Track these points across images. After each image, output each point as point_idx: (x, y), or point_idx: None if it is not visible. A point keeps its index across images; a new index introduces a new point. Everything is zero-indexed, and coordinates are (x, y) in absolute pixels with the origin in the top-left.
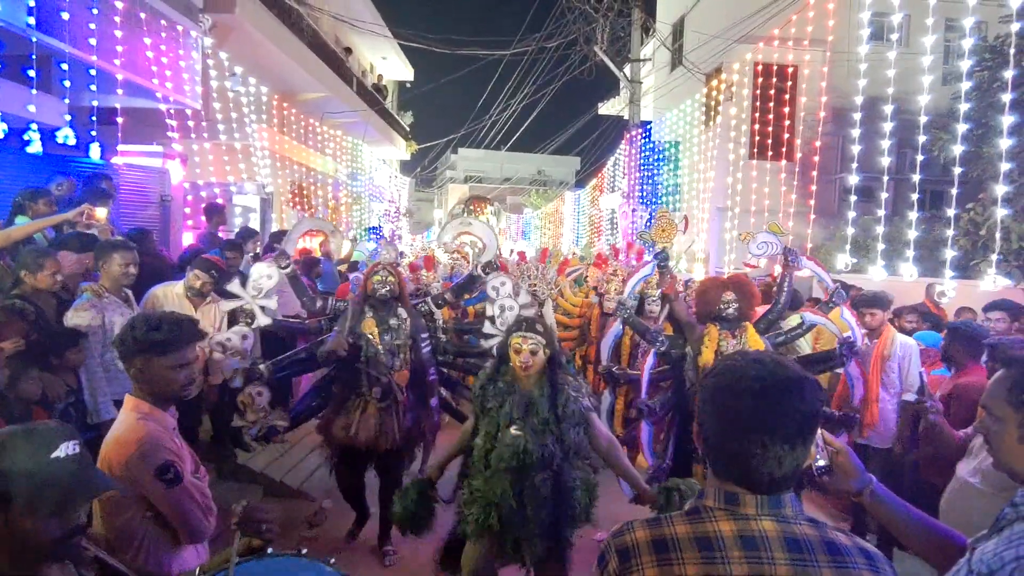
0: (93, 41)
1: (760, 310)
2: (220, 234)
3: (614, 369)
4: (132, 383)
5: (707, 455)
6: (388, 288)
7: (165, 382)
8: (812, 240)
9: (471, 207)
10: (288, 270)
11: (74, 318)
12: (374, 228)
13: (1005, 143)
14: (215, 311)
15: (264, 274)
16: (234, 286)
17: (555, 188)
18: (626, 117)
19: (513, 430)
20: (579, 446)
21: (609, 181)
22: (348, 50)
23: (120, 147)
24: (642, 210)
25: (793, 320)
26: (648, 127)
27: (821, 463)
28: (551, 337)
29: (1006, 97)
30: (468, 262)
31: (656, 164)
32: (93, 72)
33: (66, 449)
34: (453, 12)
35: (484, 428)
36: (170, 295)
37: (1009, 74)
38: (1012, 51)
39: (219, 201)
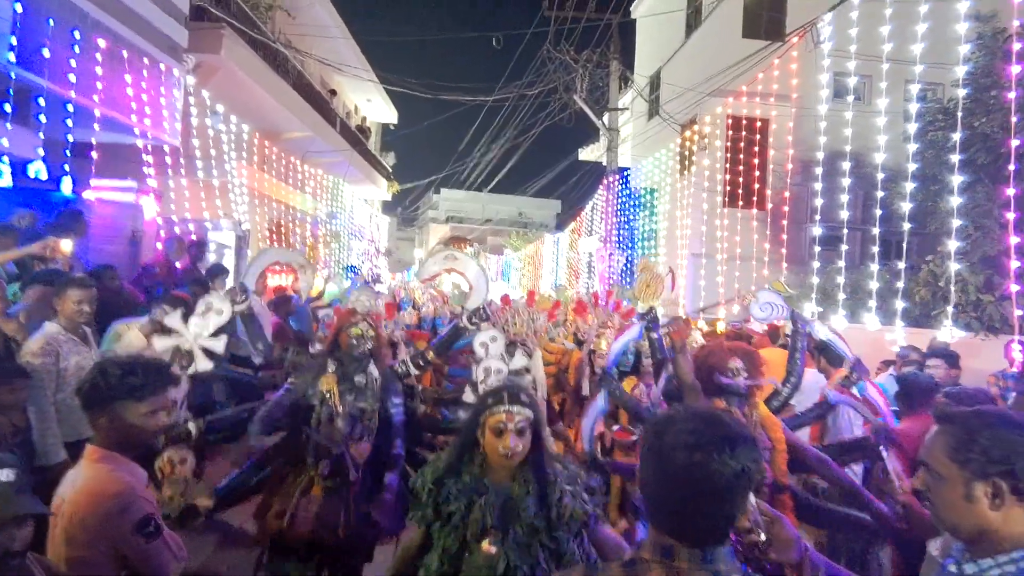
0: (73, 77)
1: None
2: (178, 264)
3: (599, 458)
4: (96, 432)
5: (645, 506)
6: (368, 346)
7: (137, 431)
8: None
9: (451, 247)
10: (243, 307)
11: (27, 355)
12: (352, 267)
13: (956, 200)
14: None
15: (213, 309)
16: (173, 320)
17: (535, 230)
18: (604, 163)
19: (486, 545)
20: (582, 560)
21: (587, 225)
22: (333, 92)
23: (93, 181)
24: (619, 254)
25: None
26: (626, 173)
27: (763, 538)
28: (539, 410)
29: (955, 157)
30: (446, 302)
31: (633, 210)
32: (71, 107)
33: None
34: (437, 58)
35: (441, 542)
36: (131, 334)
37: (957, 136)
38: (960, 114)
39: (194, 237)
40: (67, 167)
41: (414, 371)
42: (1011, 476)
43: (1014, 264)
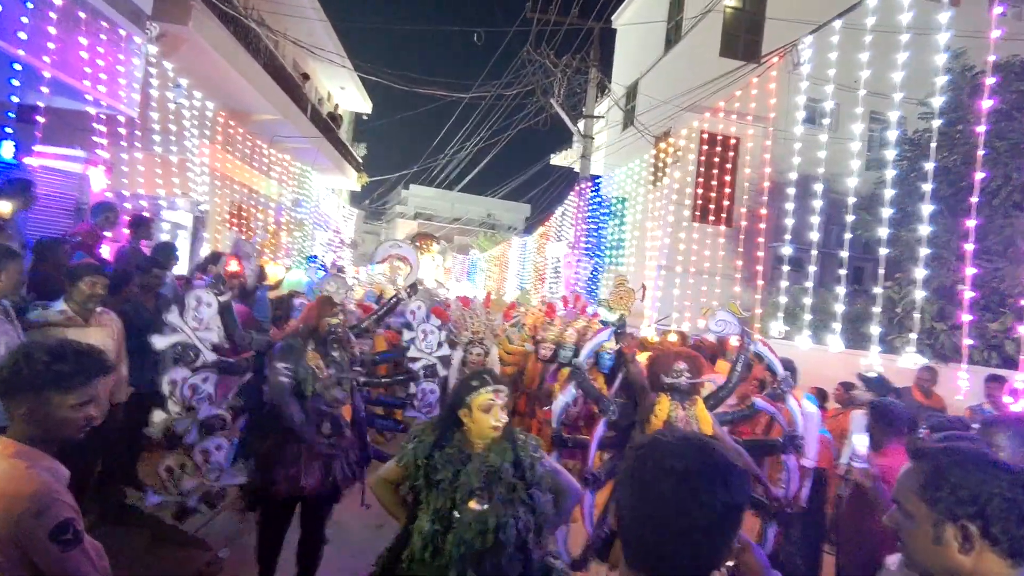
0: (23, 35)
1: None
2: (144, 249)
3: (564, 434)
4: (12, 424)
5: (621, 537)
6: (342, 331)
7: (61, 423)
8: (749, 306)
9: (418, 243)
10: (224, 298)
11: None
12: (313, 257)
13: (925, 229)
14: (114, 326)
15: (204, 301)
16: (174, 317)
17: (504, 232)
18: (577, 169)
19: (474, 503)
20: (550, 516)
21: (556, 230)
22: (306, 76)
23: (37, 147)
24: (586, 261)
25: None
26: (597, 181)
27: (729, 563)
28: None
29: (926, 187)
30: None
31: (602, 217)
32: (18, 67)
33: None
34: (415, 51)
35: (431, 505)
36: (54, 317)
37: (930, 166)
38: (934, 144)
39: (146, 214)
40: (9, 130)
41: (354, 340)
42: (981, 519)
43: (968, 294)
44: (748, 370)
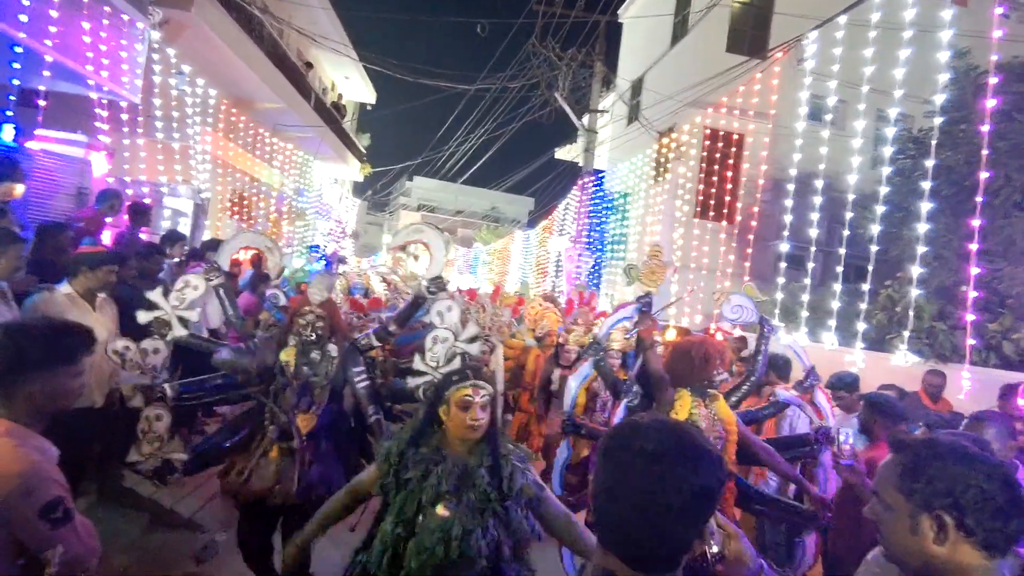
0: (24, 17)
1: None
2: (143, 236)
3: (578, 420)
4: (2, 402)
5: (595, 518)
6: (316, 334)
7: (66, 394)
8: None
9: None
10: (217, 283)
11: None
12: (315, 247)
13: (923, 228)
14: (112, 311)
15: (191, 285)
16: (155, 295)
17: (507, 226)
18: (580, 164)
19: (440, 509)
20: (525, 535)
21: (559, 224)
22: (309, 64)
23: (39, 131)
24: (587, 255)
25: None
26: (600, 176)
27: (715, 549)
28: (497, 390)
29: (926, 185)
30: (405, 283)
31: (605, 212)
32: (19, 50)
33: None
34: (420, 41)
35: (397, 507)
36: (54, 301)
37: (930, 164)
38: (934, 141)
39: (147, 201)
40: (10, 113)
41: (377, 344)
42: (956, 510)
43: (972, 294)
44: (768, 362)
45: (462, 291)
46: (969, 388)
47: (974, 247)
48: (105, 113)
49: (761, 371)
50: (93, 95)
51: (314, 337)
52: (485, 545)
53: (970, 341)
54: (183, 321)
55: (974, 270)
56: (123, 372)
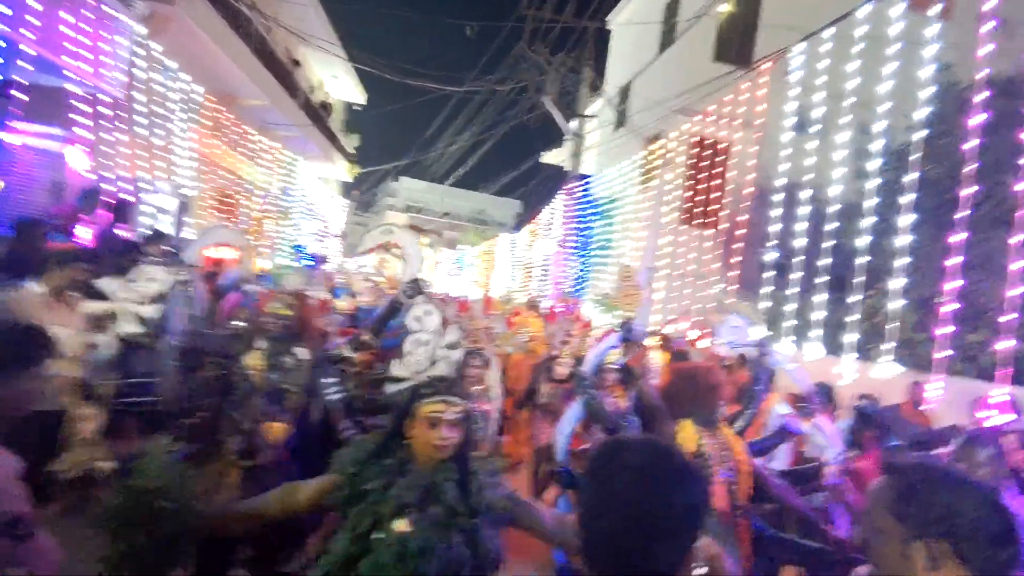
0: (4, 8)
1: None
2: (122, 232)
3: (574, 472)
4: None
5: (580, 538)
6: (282, 324)
7: (9, 402)
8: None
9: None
10: (184, 278)
11: None
12: (299, 247)
13: (903, 240)
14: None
15: (150, 277)
16: (106, 284)
17: (494, 228)
18: (567, 168)
19: (401, 523)
20: (492, 556)
21: (545, 228)
22: (296, 62)
23: (15, 124)
24: (573, 260)
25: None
26: (587, 181)
27: (700, 571)
28: (470, 406)
29: (908, 197)
30: (391, 289)
31: (591, 217)
32: (1, 43)
33: None
34: (410, 42)
35: (353, 521)
36: (21, 300)
37: (913, 177)
38: (916, 156)
39: (125, 196)
40: None
41: (351, 354)
42: (950, 537)
43: (952, 306)
44: (769, 385)
45: (449, 300)
46: (942, 398)
47: (951, 261)
48: (85, 107)
49: (760, 398)
50: (72, 88)
51: (280, 326)
52: (445, 565)
53: (945, 352)
54: (137, 317)
55: (949, 284)
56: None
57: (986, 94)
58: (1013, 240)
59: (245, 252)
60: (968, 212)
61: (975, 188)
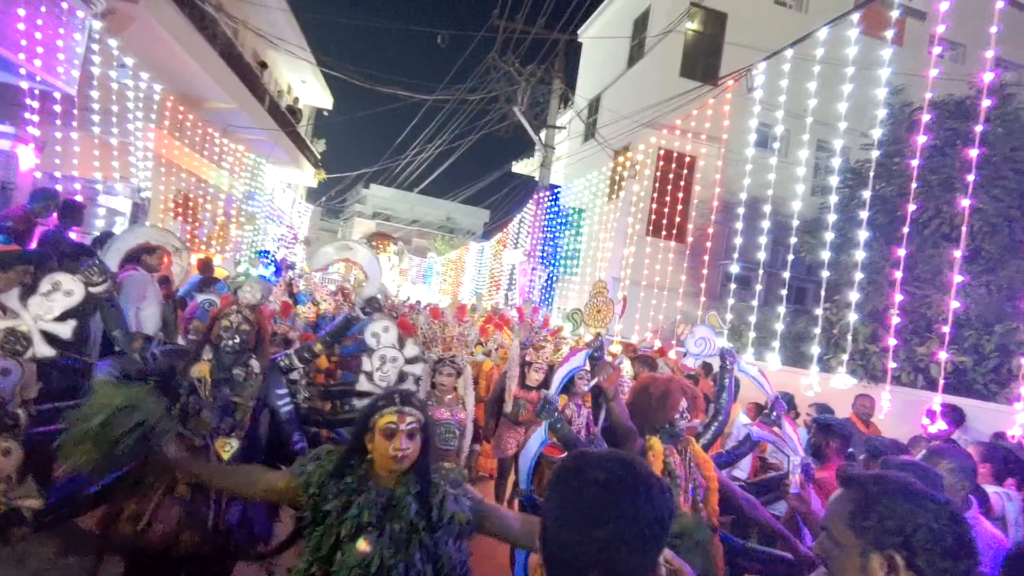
0: None
1: None
2: (73, 235)
3: (537, 499)
4: None
5: (543, 551)
6: (239, 339)
7: None
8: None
9: (374, 243)
10: (101, 289)
11: None
12: (264, 252)
13: (860, 255)
14: None
15: (63, 289)
16: (11, 300)
17: (462, 237)
18: (536, 178)
19: (361, 544)
20: (455, 570)
21: (513, 237)
22: (263, 64)
23: None
24: (541, 269)
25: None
26: (556, 191)
27: None
28: (428, 415)
29: (863, 214)
30: (351, 303)
31: (560, 227)
32: None
33: None
34: (380, 49)
35: (314, 543)
36: None
37: (867, 194)
38: (871, 175)
39: (79, 199)
40: None
41: (299, 364)
42: (906, 549)
43: (895, 320)
44: (736, 396)
45: (416, 306)
46: (890, 408)
47: (899, 275)
48: (36, 104)
49: (727, 408)
50: (24, 84)
51: (237, 342)
52: None
53: (892, 364)
54: (49, 336)
55: (898, 297)
56: None
57: (927, 117)
58: (957, 254)
59: (175, 253)
60: (915, 229)
61: (915, 207)
